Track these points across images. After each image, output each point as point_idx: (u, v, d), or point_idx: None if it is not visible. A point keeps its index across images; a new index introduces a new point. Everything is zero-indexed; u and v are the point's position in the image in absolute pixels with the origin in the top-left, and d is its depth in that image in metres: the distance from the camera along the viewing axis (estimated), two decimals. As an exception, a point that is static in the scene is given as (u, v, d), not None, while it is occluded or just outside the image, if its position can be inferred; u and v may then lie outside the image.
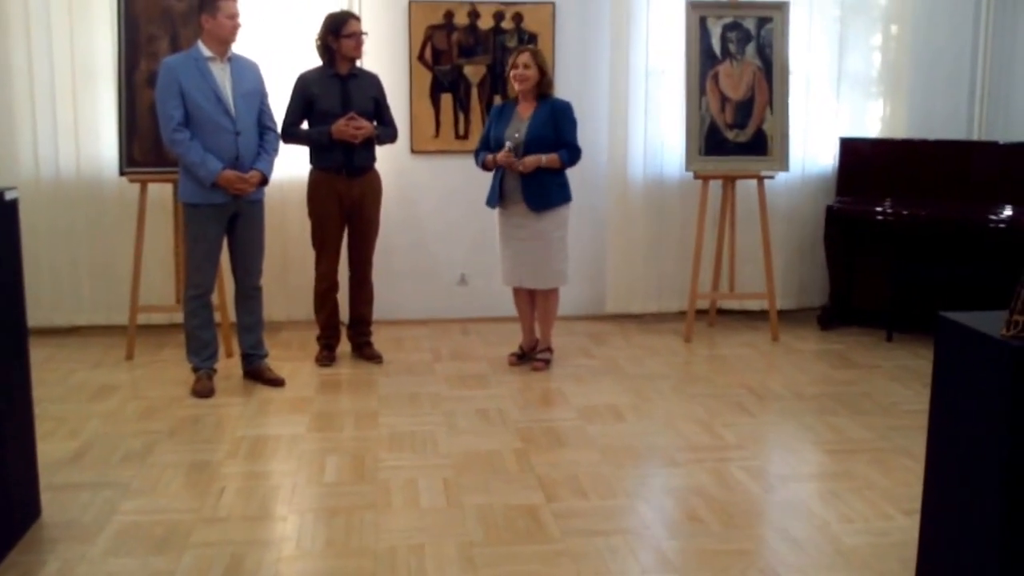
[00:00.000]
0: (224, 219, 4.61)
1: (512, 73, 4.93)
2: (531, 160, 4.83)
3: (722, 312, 6.32)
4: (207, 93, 4.47)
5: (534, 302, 5.16)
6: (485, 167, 5.00)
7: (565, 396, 4.70)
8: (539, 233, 4.94)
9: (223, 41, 4.51)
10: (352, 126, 4.87)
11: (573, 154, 4.94)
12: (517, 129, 4.90)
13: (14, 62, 5.51)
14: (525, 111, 4.95)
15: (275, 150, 4.75)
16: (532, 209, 4.89)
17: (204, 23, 4.51)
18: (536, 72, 4.89)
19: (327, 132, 4.88)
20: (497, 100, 5.87)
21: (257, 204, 4.71)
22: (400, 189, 5.89)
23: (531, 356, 5.21)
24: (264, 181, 4.65)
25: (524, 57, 4.91)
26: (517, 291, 5.18)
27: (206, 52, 4.51)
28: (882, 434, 4.17)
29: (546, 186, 4.90)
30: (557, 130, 4.89)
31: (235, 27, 4.51)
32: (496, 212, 5.06)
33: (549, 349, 5.21)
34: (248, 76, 4.65)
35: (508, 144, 4.84)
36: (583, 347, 5.61)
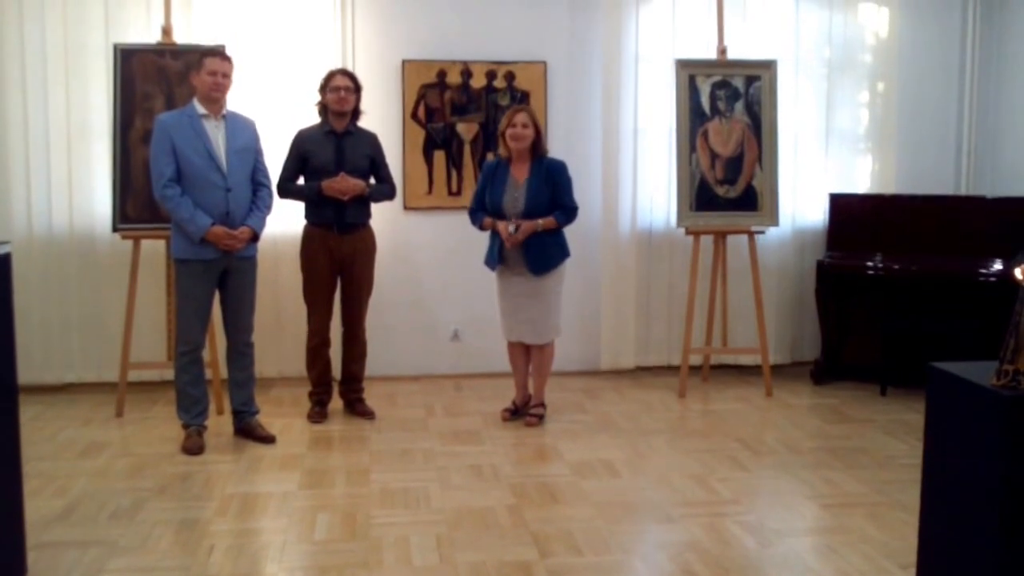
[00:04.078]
0: (215, 275, 4.61)
1: (509, 132, 4.92)
2: (528, 227, 4.84)
3: (715, 367, 6.31)
4: (199, 149, 4.51)
5: (529, 357, 5.16)
6: (481, 228, 5.02)
7: (559, 451, 4.67)
8: (541, 291, 4.96)
9: (206, 97, 4.56)
10: (343, 184, 4.91)
11: (569, 215, 4.98)
12: (514, 197, 4.91)
13: (10, 117, 5.56)
14: (520, 173, 4.96)
15: (267, 207, 4.78)
16: (536, 274, 4.92)
17: (192, 79, 4.62)
18: (533, 131, 4.92)
19: (317, 187, 4.93)
20: (490, 157, 5.93)
21: (249, 260, 4.72)
22: (393, 245, 5.91)
23: (524, 412, 5.18)
24: (255, 237, 4.67)
25: (522, 116, 4.93)
26: (513, 346, 5.17)
27: (200, 109, 4.56)
28: (877, 488, 4.14)
29: (547, 249, 4.93)
30: (553, 192, 4.92)
31: (216, 84, 4.54)
32: (494, 274, 5.07)
33: (542, 404, 5.19)
34: (243, 133, 4.69)
35: (511, 227, 4.84)
36: (577, 402, 5.59)
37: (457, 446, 4.76)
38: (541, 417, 5.15)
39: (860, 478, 4.27)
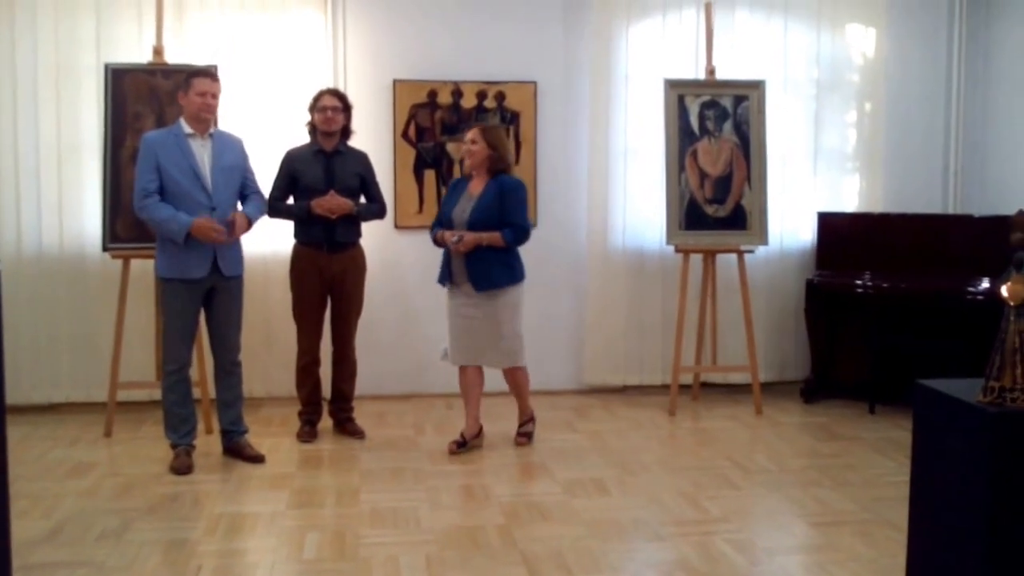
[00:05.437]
0: (200, 294, 4.60)
1: (462, 149, 4.97)
2: (470, 239, 4.75)
3: (705, 385, 6.32)
4: (184, 168, 4.51)
5: (482, 384, 5.03)
6: (436, 243, 4.95)
7: (549, 470, 4.66)
8: (487, 313, 4.84)
9: (194, 117, 4.57)
10: (331, 202, 4.92)
11: (518, 233, 4.82)
12: (463, 208, 4.85)
13: (0, 136, 5.56)
14: (476, 188, 4.88)
15: (262, 205, 4.80)
16: (478, 290, 4.81)
17: (180, 99, 4.63)
18: (484, 148, 4.82)
19: (306, 206, 4.93)
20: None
21: (235, 280, 4.70)
22: (384, 264, 5.92)
23: (473, 444, 5.01)
24: (248, 225, 4.66)
25: (471, 133, 4.89)
26: (464, 371, 5.01)
27: (187, 128, 4.57)
28: (866, 506, 4.14)
29: (490, 265, 4.80)
30: (502, 209, 4.81)
31: (204, 104, 4.55)
32: (445, 291, 4.99)
33: (531, 420, 5.16)
34: (229, 152, 4.69)
35: (455, 237, 4.76)
36: (566, 421, 5.59)
37: (447, 465, 4.74)
38: (530, 435, 5.13)
39: (849, 496, 4.28)
